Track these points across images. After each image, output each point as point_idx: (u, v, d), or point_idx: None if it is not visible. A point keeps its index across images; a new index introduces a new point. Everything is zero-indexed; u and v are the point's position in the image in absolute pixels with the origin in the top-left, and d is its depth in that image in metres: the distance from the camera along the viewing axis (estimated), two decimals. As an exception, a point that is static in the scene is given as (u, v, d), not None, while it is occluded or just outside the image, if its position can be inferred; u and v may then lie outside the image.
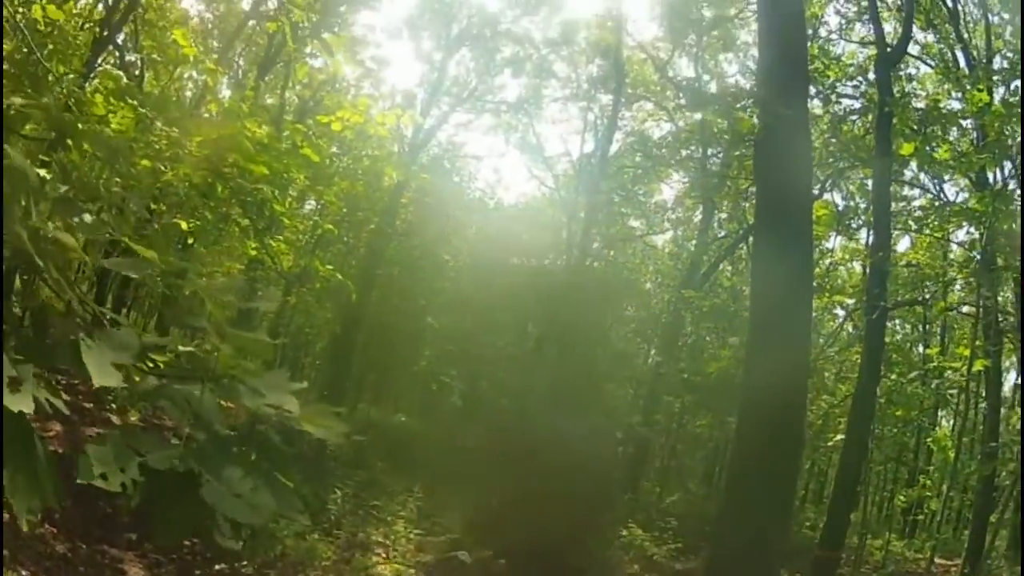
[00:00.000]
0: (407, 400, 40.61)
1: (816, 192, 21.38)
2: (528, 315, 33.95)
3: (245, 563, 11.37)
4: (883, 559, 23.72)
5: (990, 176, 20.59)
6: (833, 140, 20.03)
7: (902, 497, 26.19)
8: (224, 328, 6.18)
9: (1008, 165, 20.47)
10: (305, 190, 19.60)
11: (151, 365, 6.00)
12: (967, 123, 19.62)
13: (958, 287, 23.47)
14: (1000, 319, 19.99)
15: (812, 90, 17.22)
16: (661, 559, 20.23)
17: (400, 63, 62.17)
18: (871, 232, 21.29)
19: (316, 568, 11.97)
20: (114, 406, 12.22)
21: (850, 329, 24.50)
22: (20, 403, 3.72)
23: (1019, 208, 17.38)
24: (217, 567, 10.85)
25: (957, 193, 21.62)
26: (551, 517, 4.29)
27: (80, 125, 10.89)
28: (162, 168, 13.06)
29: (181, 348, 5.81)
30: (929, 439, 24.62)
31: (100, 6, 22.43)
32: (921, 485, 24.72)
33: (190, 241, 14.94)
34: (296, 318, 31.88)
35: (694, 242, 34.83)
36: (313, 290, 24.31)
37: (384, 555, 14.59)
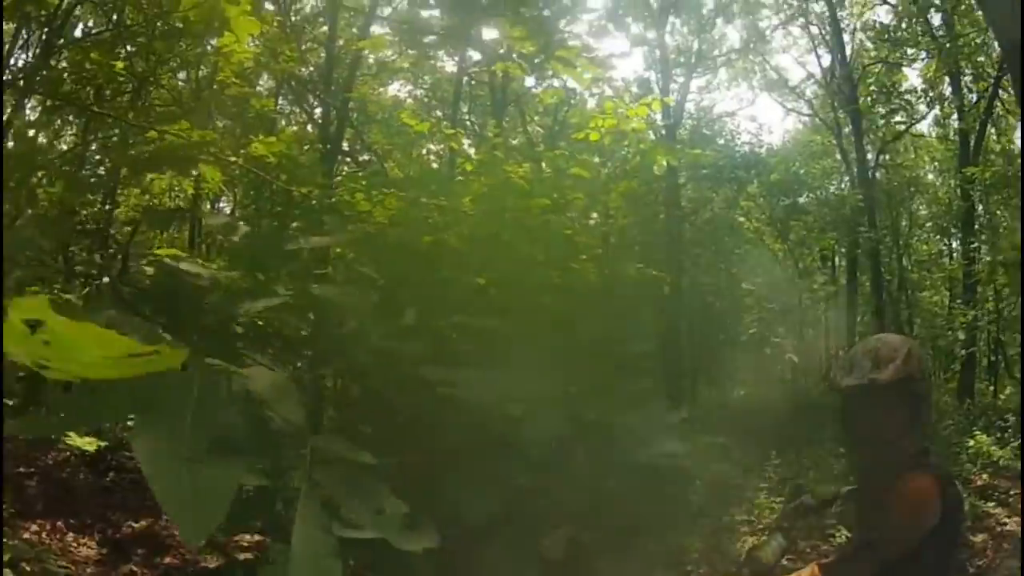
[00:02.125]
0: (743, 371, 40.66)
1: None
2: (832, 248, 33.87)
3: None
4: None
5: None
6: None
7: None
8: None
9: None
10: (587, 207, 19.86)
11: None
12: None
13: None
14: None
15: None
16: (1006, 461, 19.82)
17: (620, 57, 62.56)
18: None
19: (687, 561, 12.22)
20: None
21: None
22: (424, 541, 3.79)
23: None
24: None
25: None
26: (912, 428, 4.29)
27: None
28: (444, 238, 13.39)
29: None
30: None
31: (309, 127, 23.16)
32: None
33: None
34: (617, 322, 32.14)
35: (955, 116, 33.93)
36: (624, 298, 24.64)
37: (750, 532, 14.66)
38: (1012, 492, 17.88)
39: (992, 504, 17.37)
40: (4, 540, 8.91)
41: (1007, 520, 16.36)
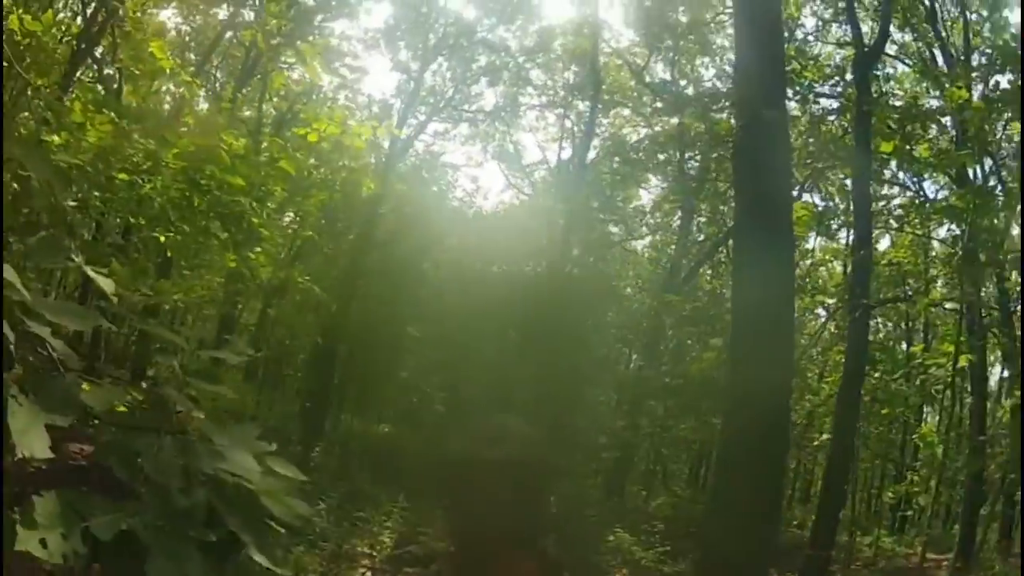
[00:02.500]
0: (390, 410, 40.73)
1: (796, 193, 21.44)
2: (509, 322, 33.95)
3: None
4: (873, 555, 23.78)
5: (970, 172, 20.71)
6: (812, 140, 20.06)
7: (890, 493, 26.26)
8: (191, 364, 5.90)
9: (988, 161, 20.60)
10: (284, 202, 19.56)
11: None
12: (946, 121, 19.68)
13: (940, 284, 23.58)
14: (984, 314, 20.07)
15: (790, 91, 17.26)
16: (649, 563, 20.29)
17: (377, 73, 62.28)
18: (851, 232, 21.34)
19: None
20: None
21: (832, 329, 24.42)
22: None
23: (1002, 203, 17.44)
24: None
25: (937, 191, 21.67)
26: (534, 520, 4.21)
27: (48, 138, 10.89)
28: (139, 181, 12.98)
29: (143, 387, 5.49)
30: (916, 436, 24.62)
31: (79, 19, 22.45)
32: (909, 481, 24.79)
33: (169, 254, 14.83)
34: (277, 330, 31.86)
35: (674, 247, 34.91)
36: (293, 302, 24.27)
37: (370, 566, 14.57)
38: None
39: None
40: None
41: None
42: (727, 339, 15.74)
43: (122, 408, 5.36)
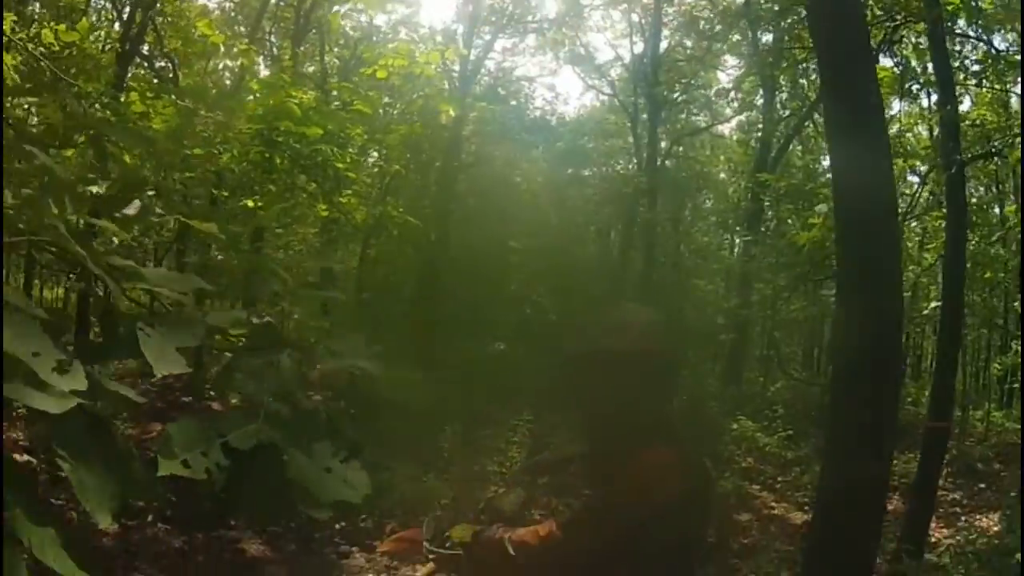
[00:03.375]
0: (503, 328, 40.88)
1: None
2: (609, 222, 33.93)
3: (364, 516, 11.63)
4: (984, 431, 23.63)
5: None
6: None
7: (997, 365, 25.99)
8: (296, 291, 6.04)
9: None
10: (365, 144, 19.61)
11: (228, 341, 5.95)
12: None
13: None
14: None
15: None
16: (772, 449, 20.38)
17: (433, 2, 61.99)
18: (931, 94, 21.00)
19: (437, 508, 12.13)
20: (212, 394, 12.31)
21: (927, 194, 24.05)
22: (72, 382, 3.62)
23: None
24: (337, 525, 11.12)
25: (1008, 46, 21.22)
26: (661, 410, 4.21)
27: (112, 122, 10.98)
28: (216, 152, 13.12)
29: (255, 320, 5.61)
30: (1016, 302, 24.35)
31: (117, 25, 22.57)
32: (1015, 352, 24.52)
33: (261, 215, 14.97)
34: (379, 268, 32.05)
35: (760, 125, 34.53)
36: (391, 237, 24.33)
37: (501, 482, 14.70)
38: (779, 479, 18.93)
39: (757, 487, 18.28)
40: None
41: (774, 504, 17.18)
42: (830, 207, 15.59)
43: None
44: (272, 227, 19.53)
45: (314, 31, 26.34)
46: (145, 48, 20.45)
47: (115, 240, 5.19)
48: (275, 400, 4.59)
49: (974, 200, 29.63)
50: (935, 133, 21.51)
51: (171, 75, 20.42)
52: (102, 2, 25.78)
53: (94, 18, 24.64)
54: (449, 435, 16.92)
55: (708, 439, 18.55)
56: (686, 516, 4.15)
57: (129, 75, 16.94)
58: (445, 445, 16.48)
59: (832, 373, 11.53)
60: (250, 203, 13.82)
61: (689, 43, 35.22)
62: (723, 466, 18.00)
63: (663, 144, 35.28)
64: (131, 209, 5.59)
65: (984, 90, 20.12)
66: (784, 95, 33.20)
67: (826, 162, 27.57)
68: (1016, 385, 28.04)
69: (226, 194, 14.93)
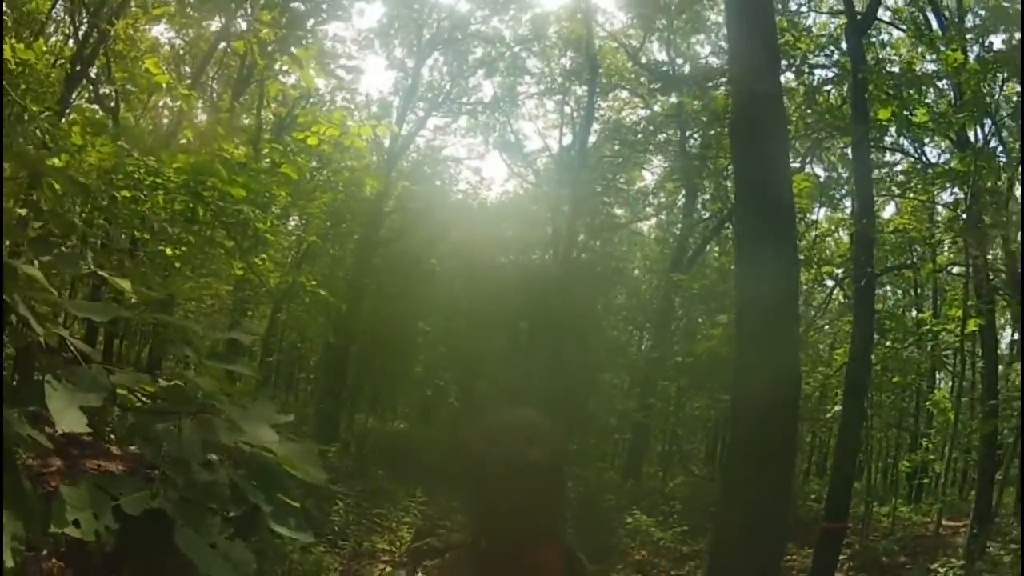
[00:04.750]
0: (405, 406, 40.80)
1: (797, 165, 21.40)
2: (519, 312, 34.03)
3: None
4: (891, 525, 23.83)
5: (971, 135, 20.68)
6: (809, 112, 19.98)
7: (906, 462, 26.27)
8: (202, 359, 5.97)
9: (988, 123, 20.58)
10: (287, 207, 19.64)
11: (138, 400, 5.90)
12: (943, 84, 19.65)
13: (946, 248, 23.49)
14: (991, 276, 20.05)
15: (785, 63, 17.21)
16: (667, 543, 20.48)
17: (373, 72, 62.27)
18: (854, 201, 21.32)
19: None
20: (114, 437, 12.22)
21: (840, 299, 24.42)
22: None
23: (1004, 164, 17.50)
24: None
25: (939, 155, 21.60)
26: (554, 510, 4.18)
27: (49, 162, 10.94)
28: (142, 197, 13.07)
29: (162, 382, 5.55)
30: (928, 402, 24.77)
31: (71, 42, 22.55)
32: (924, 449, 24.91)
33: (177, 266, 14.90)
34: (288, 334, 31.90)
35: (679, 226, 34.98)
36: (303, 304, 24.29)
37: (390, 560, 14.66)
38: (672, 572, 18.67)
39: None
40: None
41: None
42: (732, 316, 15.80)
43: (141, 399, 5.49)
44: (187, 277, 19.50)
45: (254, 84, 26.37)
46: (93, 71, 20.45)
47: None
48: (173, 467, 4.58)
49: (891, 303, 30.04)
50: (853, 239, 21.84)
51: (112, 104, 20.39)
52: (61, 13, 25.80)
53: (50, 28, 24.69)
54: (342, 509, 16.83)
55: (601, 533, 18.59)
56: None
57: (73, 97, 16.95)
58: (337, 519, 16.39)
59: (725, 460, 11.67)
60: (169, 251, 13.77)
61: (618, 141, 35.57)
62: (615, 559, 18.11)
63: (581, 237, 35.40)
64: (58, 256, 5.56)
65: (909, 199, 20.35)
66: (706, 197, 33.56)
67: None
68: (924, 480, 28.58)
69: (147, 237, 14.89)
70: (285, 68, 15.82)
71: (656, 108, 34.08)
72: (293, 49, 10.95)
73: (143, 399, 5.59)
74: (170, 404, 5.31)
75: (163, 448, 4.75)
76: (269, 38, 10.95)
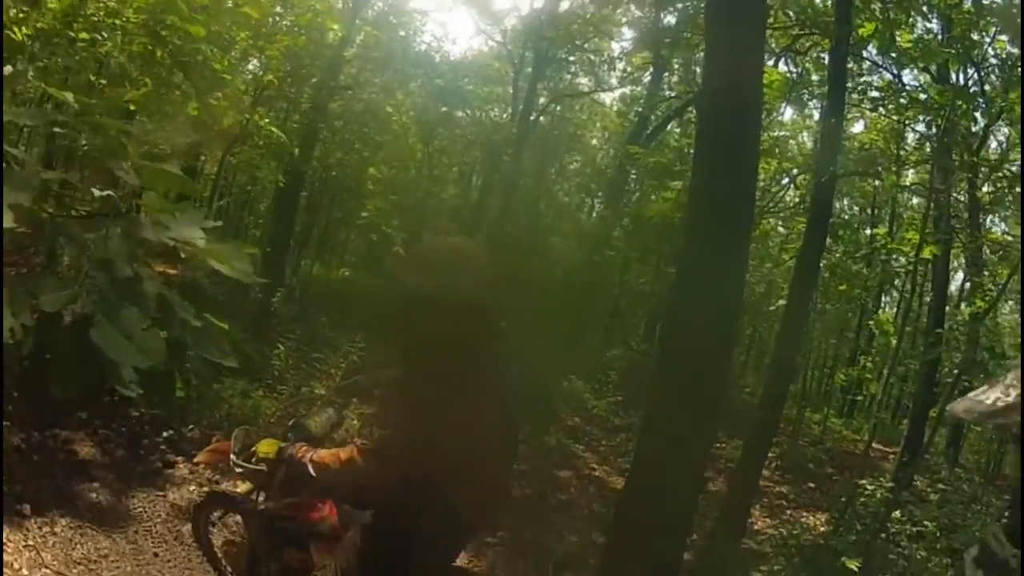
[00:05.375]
0: (350, 254, 40.70)
1: (771, 62, 21.10)
2: (472, 165, 33.83)
3: (191, 427, 11.69)
4: (820, 434, 24.03)
5: (952, 76, 20.52)
6: (790, 3, 19.63)
7: (842, 375, 26.53)
8: (145, 165, 5.79)
9: (972, 71, 20.42)
10: (247, 48, 19.31)
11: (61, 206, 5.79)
12: (934, 21, 19.44)
13: (910, 175, 23.40)
14: (952, 214, 20.04)
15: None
16: (601, 412, 20.57)
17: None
18: (823, 104, 21.07)
19: (261, 425, 12.09)
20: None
21: (795, 198, 24.24)
22: None
23: (983, 110, 17.42)
24: (165, 434, 11.15)
25: (917, 86, 21.36)
26: (489, 356, 4.10)
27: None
28: (100, 38, 12.76)
29: (96, 190, 5.40)
30: (872, 321, 24.82)
31: None
32: (862, 366, 25.02)
33: (132, 108, 14.61)
34: (239, 177, 31.62)
35: (642, 102, 34.60)
36: (255, 147, 23.98)
37: (320, 401, 14.68)
38: (603, 442, 19.38)
39: (582, 447, 18.73)
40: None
41: (595, 466, 17.49)
42: (686, 182, 15.61)
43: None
44: (142, 122, 19.21)
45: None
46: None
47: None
48: (96, 269, 4.46)
49: (845, 216, 30.03)
50: (817, 143, 21.66)
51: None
52: None
53: None
54: (283, 352, 16.79)
55: (536, 395, 18.63)
56: (489, 466, 4.11)
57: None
58: (277, 363, 16.36)
59: (661, 338, 11.59)
60: (128, 95, 13.49)
61: (591, 6, 35.13)
62: (549, 422, 18.34)
63: (542, 100, 35.19)
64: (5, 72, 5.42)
65: (880, 115, 20.10)
66: (675, 78, 33.24)
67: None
68: (858, 398, 28.78)
69: (104, 82, 14.60)
70: None
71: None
72: None
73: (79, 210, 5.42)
74: (102, 209, 5.16)
75: (87, 251, 4.61)
76: None
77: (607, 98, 42.00)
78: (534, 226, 30.46)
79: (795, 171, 22.15)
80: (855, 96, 18.77)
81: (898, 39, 16.78)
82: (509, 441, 4.59)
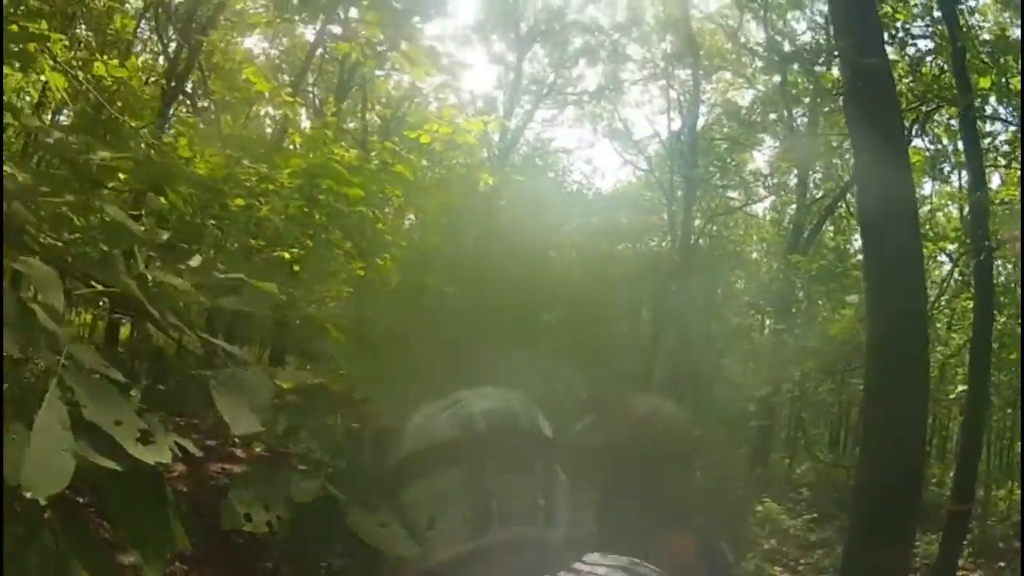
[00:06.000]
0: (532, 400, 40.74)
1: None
2: (641, 300, 34.01)
3: None
4: (1007, 509, 23.56)
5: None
6: (913, 83, 19.77)
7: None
8: (350, 352, 6.13)
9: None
10: (402, 206, 19.81)
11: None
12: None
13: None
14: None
15: (886, 35, 17.09)
16: (796, 531, 20.35)
17: (474, 69, 62.51)
18: (962, 173, 21.05)
19: None
20: (236, 440, 12.44)
21: (957, 275, 23.99)
22: (157, 454, 3.77)
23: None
24: None
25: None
26: (685, 497, 4.19)
27: (172, 169, 11.24)
28: (257, 204, 13.31)
29: (310, 381, 5.68)
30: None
31: (161, 59, 22.96)
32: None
33: (295, 269, 15.13)
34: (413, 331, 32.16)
35: (794, 206, 34.63)
36: (428, 304, 24.47)
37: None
38: (802, 561, 18.88)
39: (779, 569, 18.36)
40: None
41: None
42: (862, 296, 15.67)
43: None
44: (307, 282, 19.72)
45: (356, 88, 26.61)
46: (188, 86, 20.80)
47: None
48: (333, 457, 4.75)
49: (1001, 279, 29.69)
50: (965, 212, 21.49)
51: (213, 117, 20.73)
52: (147, 33, 26.31)
53: (138, 47, 25.18)
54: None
55: (731, 522, 18.56)
56: None
57: (172, 113, 17.27)
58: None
59: (860, 454, 11.63)
60: (286, 255, 13.97)
61: (727, 122, 35.49)
62: (746, 547, 18.05)
63: (697, 222, 35.31)
64: (193, 262, 5.73)
65: (1014, 168, 20.05)
66: (818, 175, 33.30)
67: (857, 243, 27.77)
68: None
69: (263, 243, 15.12)
70: (394, 68, 16.04)
71: (760, 87, 33.93)
72: (404, 46, 11.10)
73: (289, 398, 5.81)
74: (315, 400, 5.50)
75: (322, 441, 4.96)
76: (374, 37, 11.12)
77: (759, 209, 42.07)
78: (709, 352, 30.52)
79: (951, 248, 22.05)
80: (989, 153, 18.79)
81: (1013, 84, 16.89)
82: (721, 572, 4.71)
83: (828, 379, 27.41)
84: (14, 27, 11.71)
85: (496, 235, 26.10)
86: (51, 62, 11.89)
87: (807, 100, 29.22)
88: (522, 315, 27.17)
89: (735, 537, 17.47)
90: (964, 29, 18.17)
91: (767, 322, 38.11)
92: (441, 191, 20.19)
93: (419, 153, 17.64)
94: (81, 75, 12.70)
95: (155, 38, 26.15)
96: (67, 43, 12.61)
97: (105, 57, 14.34)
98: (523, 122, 33.98)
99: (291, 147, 14.40)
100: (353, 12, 12.35)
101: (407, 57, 11.07)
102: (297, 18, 18.93)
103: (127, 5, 22.81)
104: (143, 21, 25.19)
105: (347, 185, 12.17)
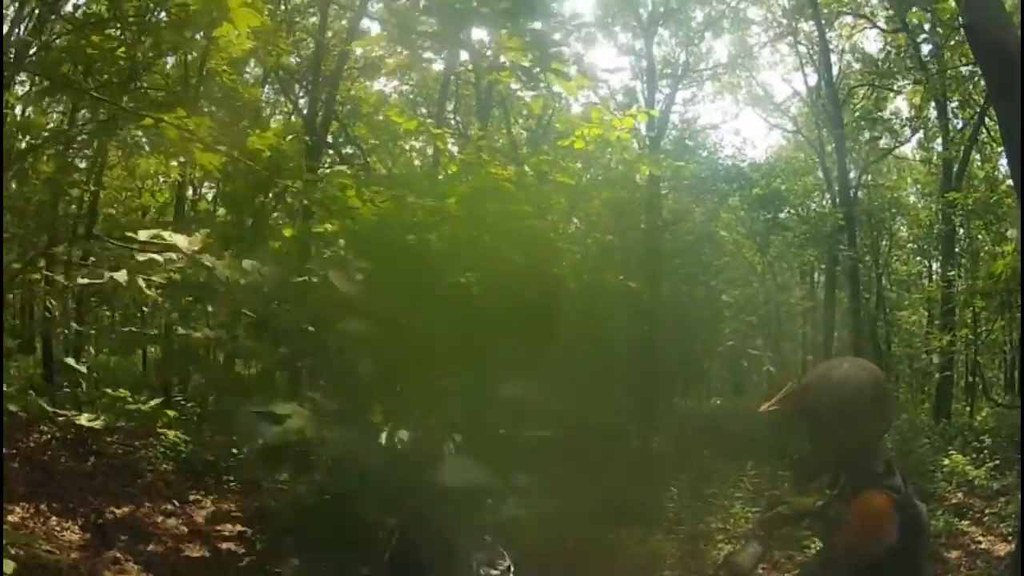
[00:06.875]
0: (716, 382, 40.59)
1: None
2: (812, 264, 33.82)
3: None
4: None
5: None
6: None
7: None
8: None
9: None
10: (567, 212, 19.97)
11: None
12: None
13: None
14: None
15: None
16: (981, 481, 20.04)
17: (607, 62, 62.60)
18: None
19: (663, 568, 12.25)
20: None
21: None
22: None
23: None
24: None
25: None
26: (878, 455, 4.33)
27: (320, 228, 11.57)
28: (429, 238, 13.53)
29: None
30: None
31: (292, 117, 23.36)
32: None
33: (475, 291, 15.34)
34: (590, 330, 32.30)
35: (939, 140, 34.09)
36: (607, 300, 24.56)
37: (726, 540, 14.78)
38: (987, 511, 18.22)
39: (967, 522, 17.76)
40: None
41: (980, 539, 16.75)
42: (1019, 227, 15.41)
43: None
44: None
45: (496, 106, 26.84)
46: (328, 138, 21.13)
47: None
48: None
49: None
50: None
51: (361, 161, 21.02)
52: (271, 95, 27.15)
53: (267, 111, 25.69)
54: (675, 494, 16.99)
55: (918, 478, 18.35)
56: (905, 559, 4.32)
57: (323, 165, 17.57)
58: (670, 504, 16.56)
59: None
60: (463, 279, 14.14)
61: (857, 66, 35.17)
62: (934, 504, 17.82)
63: (852, 175, 34.84)
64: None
65: None
66: (954, 104, 32.77)
67: (1004, 168, 27.38)
68: None
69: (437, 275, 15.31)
70: (540, 85, 16.17)
71: (882, 26, 33.49)
72: (553, 65, 11.18)
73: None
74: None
75: None
76: (525, 62, 11.19)
77: (907, 150, 41.53)
78: (882, 305, 30.31)
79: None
80: None
81: None
82: (918, 531, 4.74)
83: (998, 317, 27.02)
84: (148, 120, 12.15)
85: (663, 224, 26.13)
86: (199, 145, 12.17)
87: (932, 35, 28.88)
88: (701, 298, 27.19)
89: (922, 494, 17.43)
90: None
91: (934, 267, 37.73)
92: (603, 190, 20.24)
93: (573, 158, 17.72)
94: (233, 150, 12.96)
95: (281, 100, 26.81)
96: (211, 125, 12.88)
97: (245, 125, 14.66)
98: (666, 106, 33.82)
99: (443, 178, 14.55)
100: (477, 33, 12.53)
101: (558, 73, 11.16)
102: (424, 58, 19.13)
103: (246, 75, 23.34)
104: (266, 86, 25.78)
105: (514, 202, 12.28)
